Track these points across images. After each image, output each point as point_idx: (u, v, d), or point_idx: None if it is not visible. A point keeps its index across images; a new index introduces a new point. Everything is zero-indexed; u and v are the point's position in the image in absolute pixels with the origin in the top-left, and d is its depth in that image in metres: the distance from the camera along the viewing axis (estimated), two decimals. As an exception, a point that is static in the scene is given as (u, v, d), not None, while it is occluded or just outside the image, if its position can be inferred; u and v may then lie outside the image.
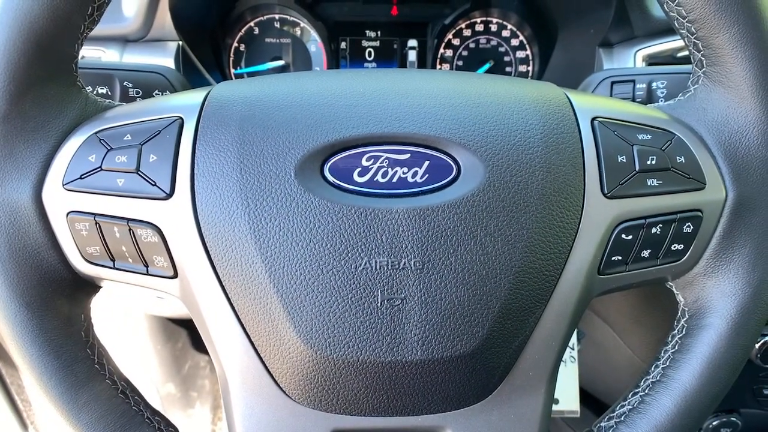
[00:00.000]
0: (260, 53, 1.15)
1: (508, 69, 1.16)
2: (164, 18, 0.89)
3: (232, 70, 1.15)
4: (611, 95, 0.66)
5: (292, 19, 1.14)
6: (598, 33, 0.89)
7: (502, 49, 1.15)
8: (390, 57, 1.18)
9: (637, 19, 0.81)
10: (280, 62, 1.14)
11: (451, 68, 1.16)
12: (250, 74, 1.16)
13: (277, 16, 1.14)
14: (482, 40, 1.15)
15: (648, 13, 0.79)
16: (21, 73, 0.38)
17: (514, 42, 1.15)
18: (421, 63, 1.17)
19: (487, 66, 1.14)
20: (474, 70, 1.15)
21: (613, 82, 0.66)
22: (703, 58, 0.44)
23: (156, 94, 0.67)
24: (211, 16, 1.05)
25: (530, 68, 1.15)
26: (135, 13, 0.86)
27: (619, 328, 0.92)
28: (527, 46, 1.14)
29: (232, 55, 1.15)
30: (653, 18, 0.79)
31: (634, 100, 0.64)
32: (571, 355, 0.82)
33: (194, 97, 0.43)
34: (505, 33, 1.15)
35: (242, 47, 1.15)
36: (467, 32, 1.15)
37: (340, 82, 0.43)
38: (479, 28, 1.15)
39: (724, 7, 0.40)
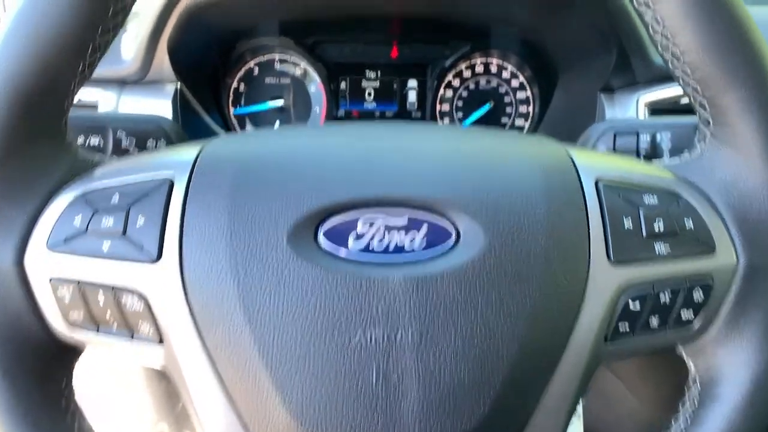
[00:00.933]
0: (260, 93, 1.15)
1: (508, 109, 1.15)
2: (162, 60, 0.88)
3: (232, 110, 1.14)
4: (614, 147, 0.65)
5: (292, 59, 1.14)
6: (599, 78, 0.88)
7: (502, 90, 1.15)
8: (390, 97, 1.18)
9: (639, 65, 0.80)
10: (280, 102, 1.14)
11: (451, 108, 1.16)
12: (251, 115, 1.15)
13: (277, 57, 1.14)
14: (482, 81, 1.15)
15: (649, 60, 0.79)
16: (8, 133, 0.36)
17: (515, 83, 1.15)
18: (421, 103, 1.17)
19: (487, 107, 1.14)
20: (474, 111, 1.15)
21: (615, 134, 0.65)
22: (709, 117, 0.43)
23: (150, 143, 0.65)
24: (210, 58, 1.05)
25: (531, 109, 1.15)
26: (133, 56, 0.85)
27: (626, 379, 0.90)
28: (527, 87, 1.14)
29: (231, 95, 1.14)
30: (655, 65, 0.79)
31: (638, 153, 0.63)
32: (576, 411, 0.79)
33: (186, 154, 0.42)
34: (505, 74, 1.15)
35: (242, 87, 1.15)
36: (467, 73, 1.15)
37: (336, 139, 0.42)
38: (479, 69, 1.15)
39: (730, 69, 0.39)
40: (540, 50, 1.06)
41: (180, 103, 0.91)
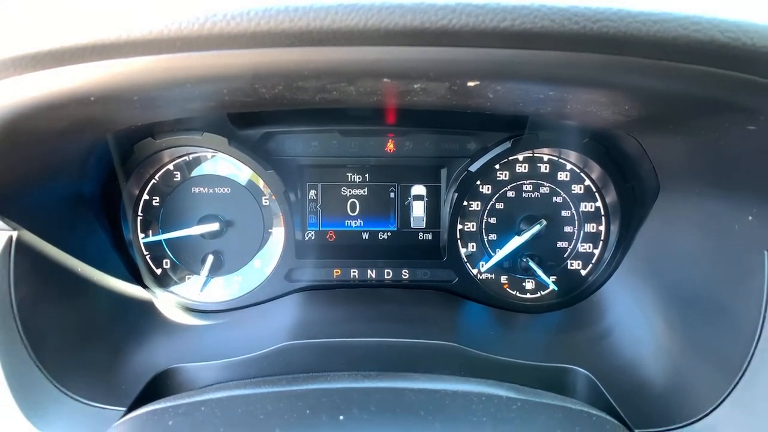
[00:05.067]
0: (184, 209, 0.74)
1: (567, 229, 0.74)
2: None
3: (140, 237, 0.73)
4: None
5: (232, 159, 0.73)
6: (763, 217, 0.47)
7: (558, 200, 0.74)
8: (383, 212, 0.77)
9: None
10: (214, 226, 0.73)
11: (479, 228, 0.74)
12: (171, 244, 0.74)
13: (209, 155, 0.73)
14: (527, 188, 0.74)
15: None
16: None
17: (577, 189, 0.74)
18: (432, 220, 0.76)
19: (537, 228, 0.72)
20: (514, 231, 0.73)
21: None
22: None
23: None
24: (64, 183, 0.65)
25: (602, 227, 0.73)
26: None
27: None
28: (598, 197, 0.73)
29: (140, 212, 0.74)
30: None
31: None
32: None
33: None
34: (563, 176, 0.73)
35: (156, 201, 0.74)
36: (503, 176, 0.74)
37: None
38: (522, 169, 0.74)
39: None
40: (622, 145, 0.66)
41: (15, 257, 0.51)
